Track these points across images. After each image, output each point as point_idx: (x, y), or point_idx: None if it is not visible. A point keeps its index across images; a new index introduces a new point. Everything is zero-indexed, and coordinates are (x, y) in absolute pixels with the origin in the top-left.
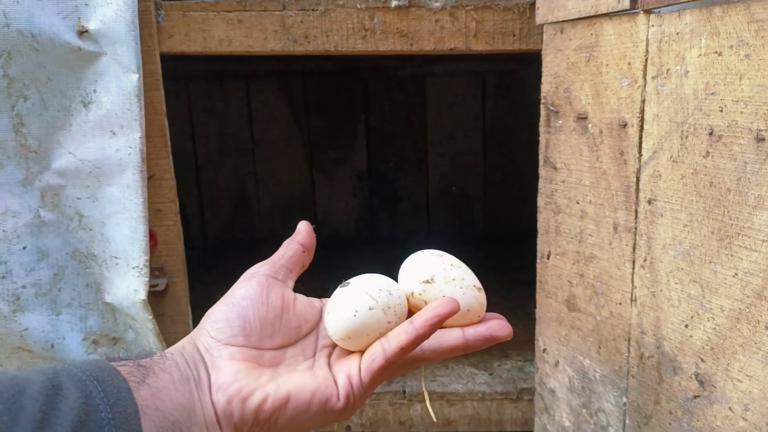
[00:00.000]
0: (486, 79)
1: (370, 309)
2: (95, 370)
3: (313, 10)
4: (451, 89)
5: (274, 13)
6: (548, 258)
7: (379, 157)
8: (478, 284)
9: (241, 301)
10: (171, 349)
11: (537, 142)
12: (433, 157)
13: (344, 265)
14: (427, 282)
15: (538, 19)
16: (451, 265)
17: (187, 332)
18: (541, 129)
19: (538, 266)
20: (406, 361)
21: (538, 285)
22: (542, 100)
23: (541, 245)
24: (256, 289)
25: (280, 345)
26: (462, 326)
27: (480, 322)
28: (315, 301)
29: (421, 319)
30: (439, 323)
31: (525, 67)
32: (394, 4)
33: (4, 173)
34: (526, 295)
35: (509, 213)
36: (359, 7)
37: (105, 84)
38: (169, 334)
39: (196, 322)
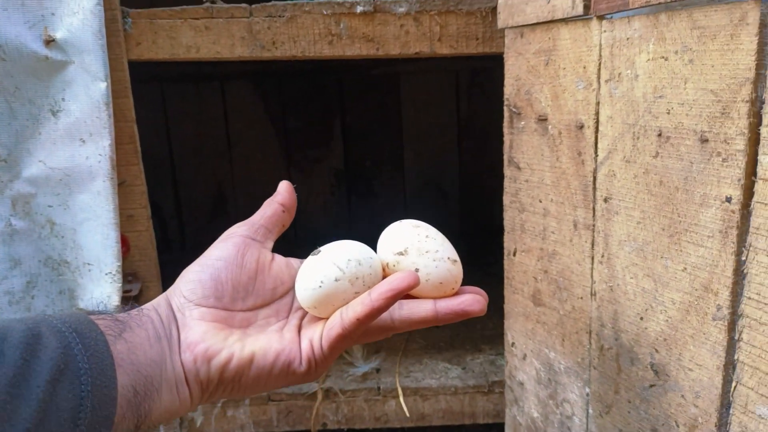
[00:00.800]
0: (459, 76)
1: (336, 280)
2: (74, 322)
3: (279, 16)
4: (425, 87)
5: (241, 20)
6: (514, 255)
7: (355, 156)
8: (454, 256)
9: (216, 262)
10: (148, 305)
11: None
12: (410, 154)
13: None
14: (401, 253)
15: (500, 23)
16: (426, 236)
17: None
18: (505, 130)
19: (506, 263)
20: (373, 329)
21: (505, 281)
22: (505, 102)
23: (508, 242)
24: (232, 250)
25: (253, 306)
26: (435, 298)
27: (455, 294)
28: (293, 261)
29: (377, 292)
30: (396, 297)
31: (498, 65)
32: (359, 9)
33: None
34: (500, 290)
35: (484, 208)
36: (325, 12)
37: (73, 92)
38: None
39: None
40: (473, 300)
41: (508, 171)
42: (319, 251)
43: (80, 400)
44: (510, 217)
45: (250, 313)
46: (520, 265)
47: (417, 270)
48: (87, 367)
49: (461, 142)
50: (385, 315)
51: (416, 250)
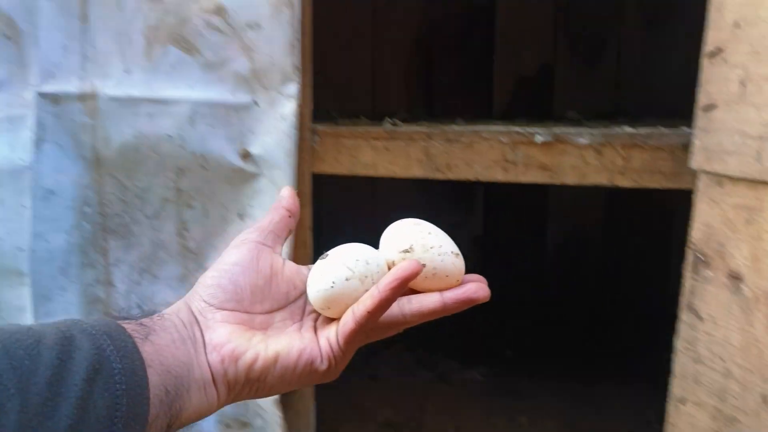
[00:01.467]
0: None
1: (346, 280)
2: (103, 326)
3: (457, 141)
4: None
5: (419, 143)
6: (683, 404)
7: (495, 223)
8: (456, 250)
9: (233, 267)
10: (168, 310)
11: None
12: (553, 229)
13: None
14: (407, 251)
15: (693, 164)
16: (429, 233)
17: (309, 425)
18: (687, 273)
19: (671, 409)
20: (386, 323)
21: (669, 428)
22: (691, 246)
23: (676, 389)
24: (247, 255)
25: (270, 309)
26: (441, 290)
27: (459, 285)
28: (303, 268)
29: (383, 284)
30: (401, 286)
31: None
32: (539, 139)
33: (165, 269)
34: (645, 392)
35: (629, 294)
36: (503, 141)
37: (260, 201)
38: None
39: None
40: (477, 287)
41: (685, 316)
42: (327, 255)
43: (116, 399)
44: (682, 362)
45: (268, 316)
46: (689, 417)
47: (424, 266)
48: (120, 367)
49: (606, 221)
50: (395, 309)
51: (421, 246)
